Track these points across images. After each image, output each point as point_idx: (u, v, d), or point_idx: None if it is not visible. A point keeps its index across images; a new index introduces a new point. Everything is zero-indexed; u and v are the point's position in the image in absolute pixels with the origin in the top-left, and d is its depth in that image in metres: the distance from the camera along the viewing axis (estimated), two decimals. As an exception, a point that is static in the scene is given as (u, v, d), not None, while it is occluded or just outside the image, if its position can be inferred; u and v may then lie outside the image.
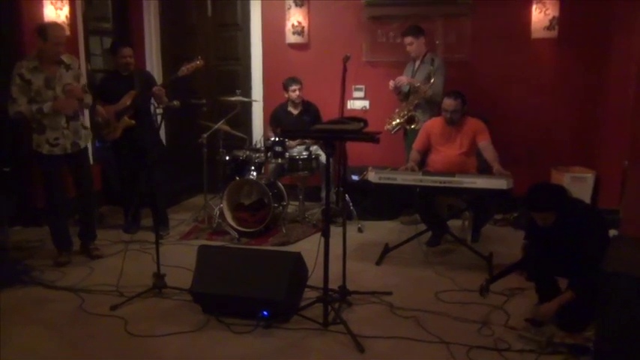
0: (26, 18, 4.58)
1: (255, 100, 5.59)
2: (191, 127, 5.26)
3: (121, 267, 3.70)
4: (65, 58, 3.83)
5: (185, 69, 4.35)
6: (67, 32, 3.82)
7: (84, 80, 3.94)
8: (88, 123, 4.05)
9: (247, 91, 5.65)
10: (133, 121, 4.41)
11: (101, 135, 4.56)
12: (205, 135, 4.75)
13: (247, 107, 5.64)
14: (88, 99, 3.98)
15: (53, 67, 3.75)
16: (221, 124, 4.81)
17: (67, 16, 4.80)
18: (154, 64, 5.80)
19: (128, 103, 4.42)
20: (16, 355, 2.82)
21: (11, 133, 4.68)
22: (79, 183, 4.01)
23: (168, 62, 5.80)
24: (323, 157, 4.75)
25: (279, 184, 4.77)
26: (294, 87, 4.99)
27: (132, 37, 5.78)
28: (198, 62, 4.38)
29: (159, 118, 4.63)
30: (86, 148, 4.01)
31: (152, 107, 4.68)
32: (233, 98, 4.90)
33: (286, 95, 5.04)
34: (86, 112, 4.52)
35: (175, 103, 4.37)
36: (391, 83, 4.69)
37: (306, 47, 5.55)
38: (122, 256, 3.91)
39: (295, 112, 5.09)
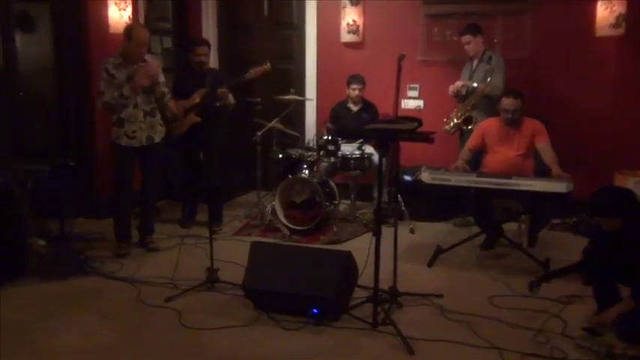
0: (91, 19, 4.77)
1: (309, 99, 5.62)
2: (245, 125, 5.34)
3: (176, 260, 3.80)
4: (148, 58, 4.05)
5: (252, 72, 4.48)
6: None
7: (162, 78, 4.07)
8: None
9: (301, 89, 5.69)
10: (199, 119, 4.53)
11: (168, 129, 4.69)
12: (259, 133, 4.81)
13: (301, 106, 5.69)
14: (168, 97, 4.13)
15: (135, 65, 3.95)
16: (275, 123, 4.86)
17: (129, 17, 4.97)
18: (211, 64, 5.91)
19: (197, 100, 4.54)
20: (75, 341, 2.94)
21: (76, 129, 4.91)
22: (146, 176, 4.19)
23: (226, 61, 5.90)
24: (376, 157, 4.73)
25: (331, 182, 4.78)
26: (354, 86, 5.05)
27: (190, 37, 5.92)
28: (266, 66, 4.50)
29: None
30: (159, 144, 4.14)
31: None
32: (287, 97, 4.95)
33: (347, 92, 5.08)
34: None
35: (231, 101, 4.51)
36: (451, 88, 4.65)
37: (361, 46, 5.54)
38: (177, 250, 4.02)
39: (355, 108, 5.14)
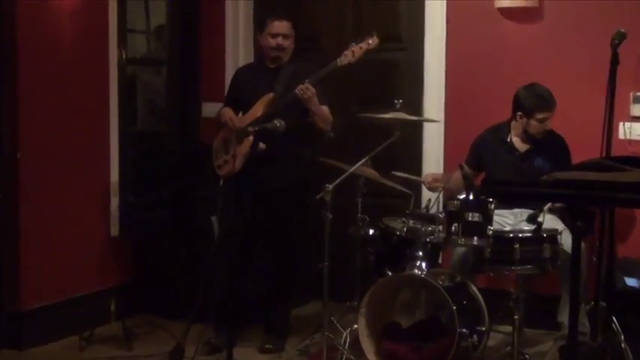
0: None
1: (431, 121, 5.56)
2: (304, 169, 5.33)
3: None
4: None
5: (350, 53, 4.75)
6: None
7: None
8: None
9: (416, 101, 5.70)
10: (264, 145, 4.70)
11: (214, 169, 5.06)
12: (331, 186, 4.77)
13: (414, 134, 5.69)
14: None
15: None
16: (362, 166, 4.82)
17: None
18: (240, 50, 6.04)
19: (259, 114, 4.83)
20: None
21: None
22: None
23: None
24: (566, 239, 4.58)
25: (473, 288, 4.69)
26: (543, 114, 4.93)
27: (203, 7, 6.13)
28: (371, 41, 4.75)
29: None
30: None
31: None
32: (387, 116, 4.91)
33: (520, 119, 5.01)
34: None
35: (277, 123, 4.58)
36: None
37: (536, 16, 5.50)
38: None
39: (522, 147, 5.06)
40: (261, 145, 4.65)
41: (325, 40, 6.06)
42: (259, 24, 5.11)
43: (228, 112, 5.02)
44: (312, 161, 5.06)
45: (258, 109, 4.88)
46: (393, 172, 5.01)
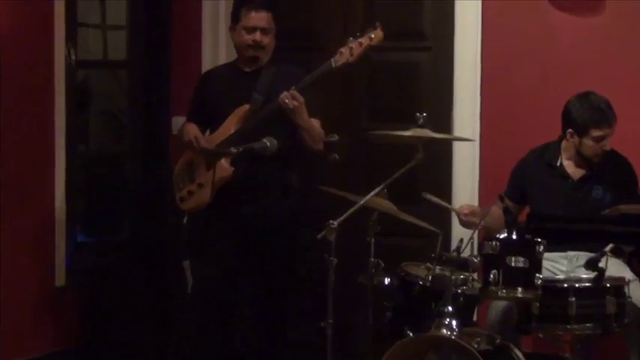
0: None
1: (465, 139, 5.52)
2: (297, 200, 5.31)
3: None
4: None
5: (347, 51, 4.75)
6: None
7: None
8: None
9: (444, 115, 5.73)
10: (232, 168, 4.79)
11: (176, 201, 5.06)
12: (335, 222, 4.72)
13: (441, 156, 5.71)
14: None
15: None
16: (376, 197, 4.77)
17: None
18: (220, 53, 6.04)
19: (232, 130, 4.85)
20: None
21: None
22: None
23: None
24: (636, 291, 4.59)
25: (518, 352, 4.63)
26: (600, 131, 4.92)
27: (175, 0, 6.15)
28: (373, 35, 4.74)
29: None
30: None
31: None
32: (407, 133, 4.86)
33: (571, 138, 5.02)
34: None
35: (267, 143, 4.66)
36: None
37: (596, 7, 5.49)
38: None
39: (575, 174, 5.07)
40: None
41: (327, 37, 6.02)
42: (232, 15, 5.08)
43: (192, 129, 5.02)
44: (300, 191, 5.06)
45: (230, 125, 4.88)
46: (424, 194, 4.97)
